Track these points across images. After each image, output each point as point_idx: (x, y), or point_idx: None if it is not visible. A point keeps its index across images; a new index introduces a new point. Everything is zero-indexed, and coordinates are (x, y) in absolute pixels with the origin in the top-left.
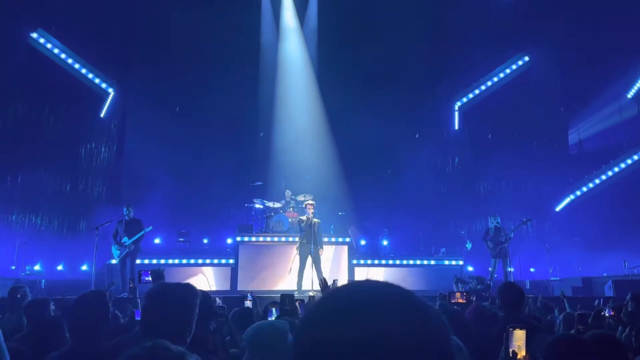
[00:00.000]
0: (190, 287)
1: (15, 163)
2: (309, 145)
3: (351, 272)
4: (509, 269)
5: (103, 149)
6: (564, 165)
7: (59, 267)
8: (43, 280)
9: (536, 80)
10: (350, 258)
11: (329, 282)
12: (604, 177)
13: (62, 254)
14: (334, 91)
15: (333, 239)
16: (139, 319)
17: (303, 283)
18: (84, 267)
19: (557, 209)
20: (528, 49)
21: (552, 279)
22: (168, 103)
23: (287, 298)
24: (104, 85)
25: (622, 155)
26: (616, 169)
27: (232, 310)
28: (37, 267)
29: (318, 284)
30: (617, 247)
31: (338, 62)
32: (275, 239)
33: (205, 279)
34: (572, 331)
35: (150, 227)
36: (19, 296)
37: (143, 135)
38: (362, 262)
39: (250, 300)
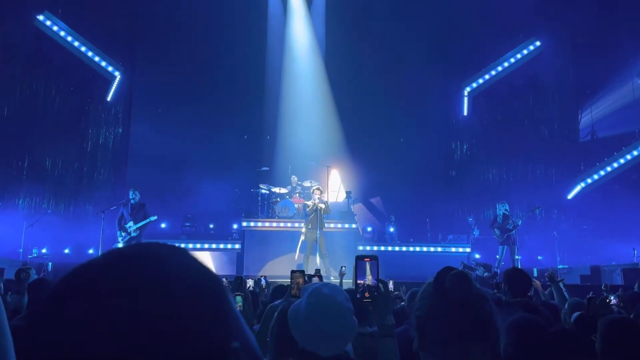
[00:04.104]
0: None
1: (22, 146)
2: (315, 131)
3: None
4: (517, 257)
5: (109, 132)
6: (575, 152)
7: (66, 251)
8: (50, 263)
9: (547, 65)
10: (356, 244)
11: (329, 269)
12: (615, 164)
13: (69, 237)
14: (341, 74)
15: (339, 225)
16: None
17: (309, 269)
18: (91, 251)
19: (569, 196)
20: (539, 34)
21: (560, 267)
22: (174, 87)
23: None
24: (110, 69)
25: (635, 142)
26: (628, 157)
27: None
28: (44, 250)
29: (324, 270)
30: (627, 235)
31: (346, 44)
32: (281, 224)
33: (211, 263)
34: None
35: (155, 217)
36: (22, 277)
37: (149, 118)
38: (368, 248)
39: (257, 279)
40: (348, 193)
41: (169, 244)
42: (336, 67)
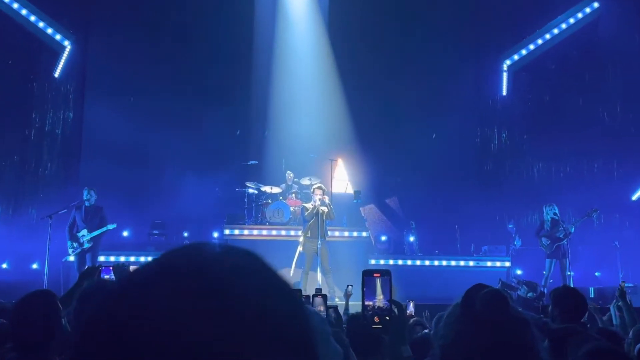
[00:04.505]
0: None
1: None
2: (316, 116)
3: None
4: (569, 273)
5: (57, 117)
6: None
7: (4, 265)
8: None
9: (608, 33)
10: (367, 257)
11: (333, 288)
12: None
13: (7, 248)
14: (349, 47)
15: (346, 234)
16: None
17: (308, 287)
18: (35, 266)
19: (634, 197)
20: None
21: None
22: (138, 60)
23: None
24: (58, 37)
25: None
26: None
27: None
28: None
29: (327, 289)
30: None
31: (355, 9)
32: (274, 232)
33: None
34: None
35: (114, 225)
36: None
37: (107, 100)
38: (382, 262)
39: None
40: (357, 193)
41: (245, 249)
42: (343, 38)
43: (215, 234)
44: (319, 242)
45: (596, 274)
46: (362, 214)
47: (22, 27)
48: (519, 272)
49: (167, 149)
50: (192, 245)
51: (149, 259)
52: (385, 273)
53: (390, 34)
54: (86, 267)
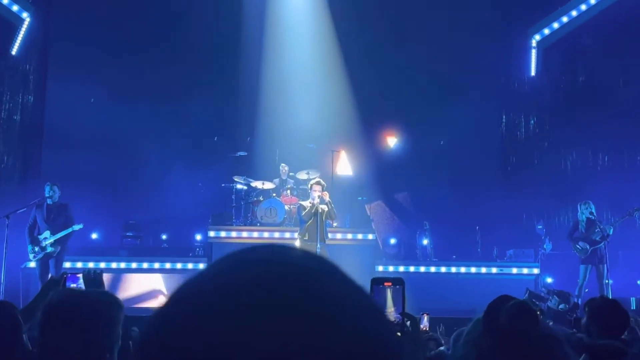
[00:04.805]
0: (107, 295)
1: None
2: (315, 101)
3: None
4: (606, 281)
5: (15, 101)
6: None
7: None
8: None
9: None
10: (373, 263)
11: None
12: None
13: None
14: (352, 21)
15: (349, 236)
16: None
17: None
18: None
19: None
20: None
21: None
22: (109, 34)
23: None
24: (15, 8)
25: None
26: None
27: None
28: None
29: None
30: None
31: None
32: (266, 234)
33: (164, 289)
34: None
35: (81, 225)
36: None
37: (72, 82)
38: (390, 268)
39: None
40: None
41: (324, 258)
42: (347, 10)
43: (198, 237)
44: (318, 245)
45: (638, 282)
46: (368, 213)
47: None
48: (549, 280)
49: (143, 138)
50: (263, 252)
51: (122, 265)
52: (397, 282)
53: (402, 5)
54: (49, 275)
